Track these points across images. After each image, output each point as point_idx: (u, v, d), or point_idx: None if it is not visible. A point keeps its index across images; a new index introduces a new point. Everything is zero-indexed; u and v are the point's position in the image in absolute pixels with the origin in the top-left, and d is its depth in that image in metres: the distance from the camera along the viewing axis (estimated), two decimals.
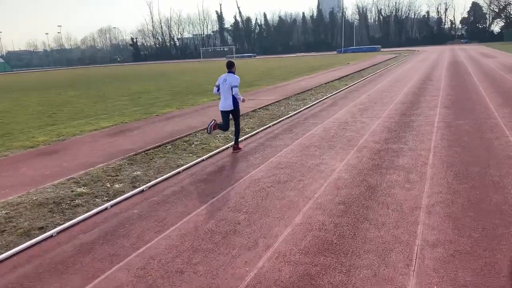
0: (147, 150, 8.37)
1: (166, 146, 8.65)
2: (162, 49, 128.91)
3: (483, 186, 5.18)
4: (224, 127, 7.74)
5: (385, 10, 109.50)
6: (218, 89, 7.52)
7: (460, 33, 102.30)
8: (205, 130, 8.32)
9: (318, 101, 14.49)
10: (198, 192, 5.66)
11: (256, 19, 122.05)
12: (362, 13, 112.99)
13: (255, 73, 33.01)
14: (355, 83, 19.80)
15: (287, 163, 6.74)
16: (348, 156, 6.93)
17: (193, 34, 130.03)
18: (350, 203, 4.87)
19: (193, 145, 8.64)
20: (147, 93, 21.13)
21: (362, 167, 6.24)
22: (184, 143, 8.89)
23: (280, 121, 10.85)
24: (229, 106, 7.46)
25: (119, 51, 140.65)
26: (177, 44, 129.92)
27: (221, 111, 7.63)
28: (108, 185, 6.16)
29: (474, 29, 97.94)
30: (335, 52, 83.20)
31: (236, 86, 7.33)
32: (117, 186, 6.12)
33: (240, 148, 7.90)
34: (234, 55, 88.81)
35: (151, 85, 26.51)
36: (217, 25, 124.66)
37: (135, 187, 5.98)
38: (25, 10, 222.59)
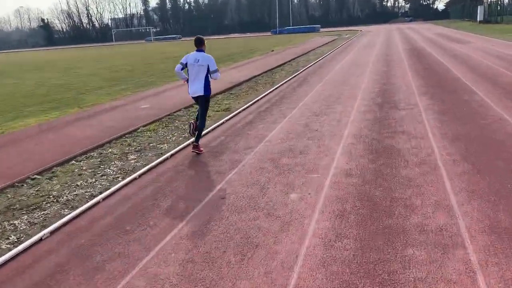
0: None
1: None
2: (80, 32, 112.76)
3: None
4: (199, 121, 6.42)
5: None
6: (183, 68, 6.25)
7: (403, 11, 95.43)
8: (189, 133, 6.73)
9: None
10: None
11: None
12: None
13: (101, 76, 21.84)
14: (241, 110, 9.43)
15: None
16: None
17: (114, 15, 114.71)
18: None
19: None
20: None
21: None
22: None
23: None
24: (199, 91, 6.21)
25: (35, 34, 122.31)
26: (96, 26, 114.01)
27: (192, 97, 6.42)
28: None
29: (418, 6, 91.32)
30: (270, 33, 72.78)
31: (217, 71, 6.25)
32: None
33: (201, 150, 6.32)
34: (152, 37, 75.82)
35: None
36: (141, 4, 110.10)
37: None
38: None
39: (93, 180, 5.58)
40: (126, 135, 7.90)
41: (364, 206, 4.12)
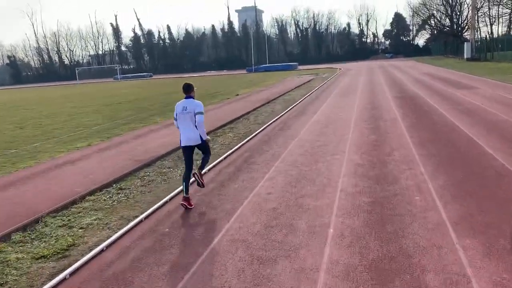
0: None
1: None
2: (49, 69, 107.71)
3: None
4: (187, 172, 5.82)
5: (302, 22, 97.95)
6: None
7: (383, 47, 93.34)
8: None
9: None
10: None
11: (159, 32, 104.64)
12: (280, 27, 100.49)
13: None
14: (86, 260, 4.14)
15: None
16: None
17: (87, 52, 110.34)
18: None
19: None
20: None
21: None
22: None
23: None
24: (194, 140, 5.70)
25: (2, 72, 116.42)
26: (66, 63, 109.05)
27: (183, 147, 5.85)
28: None
29: (399, 42, 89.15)
30: (245, 71, 68.82)
31: (202, 113, 5.67)
32: None
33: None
34: (119, 75, 71.02)
35: None
36: (113, 40, 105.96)
37: None
38: None
39: None
40: None
41: None
